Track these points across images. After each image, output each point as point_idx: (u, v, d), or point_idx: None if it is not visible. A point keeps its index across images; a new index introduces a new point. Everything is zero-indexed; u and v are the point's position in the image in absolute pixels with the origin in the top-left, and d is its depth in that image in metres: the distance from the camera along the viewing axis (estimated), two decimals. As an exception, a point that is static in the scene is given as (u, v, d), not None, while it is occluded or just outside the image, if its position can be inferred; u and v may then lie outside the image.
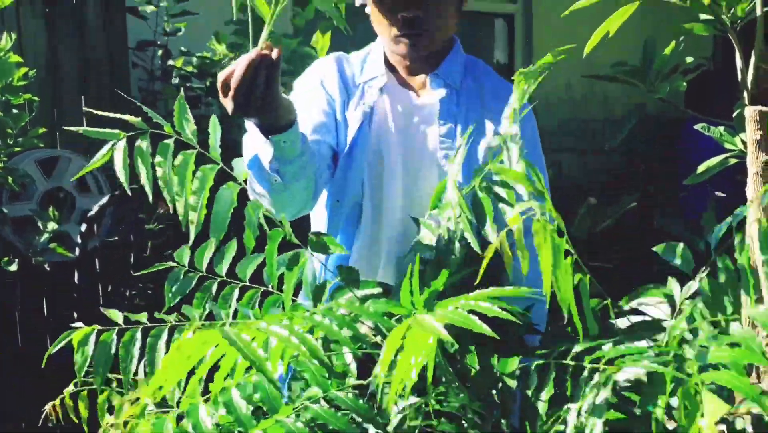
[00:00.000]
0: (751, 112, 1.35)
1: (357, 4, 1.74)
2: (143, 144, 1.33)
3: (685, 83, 1.82)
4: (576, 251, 1.15)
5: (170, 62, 4.02)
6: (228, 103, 1.35)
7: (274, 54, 1.34)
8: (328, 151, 1.78)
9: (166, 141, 1.33)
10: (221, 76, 1.35)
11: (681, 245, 1.36)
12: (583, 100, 6.11)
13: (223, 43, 4.05)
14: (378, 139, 1.80)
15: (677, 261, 1.34)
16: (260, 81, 1.33)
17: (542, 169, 1.83)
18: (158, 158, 1.32)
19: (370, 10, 1.77)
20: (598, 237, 5.01)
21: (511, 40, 6.18)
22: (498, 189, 1.29)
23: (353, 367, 1.30)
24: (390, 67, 1.85)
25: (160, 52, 4.08)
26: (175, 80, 4.03)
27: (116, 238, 3.38)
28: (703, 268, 1.29)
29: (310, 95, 1.81)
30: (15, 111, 2.98)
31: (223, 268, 1.48)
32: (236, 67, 1.33)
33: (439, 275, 1.30)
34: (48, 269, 3.23)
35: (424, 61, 1.81)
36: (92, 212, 3.41)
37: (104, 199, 3.41)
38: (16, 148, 3.03)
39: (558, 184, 5.48)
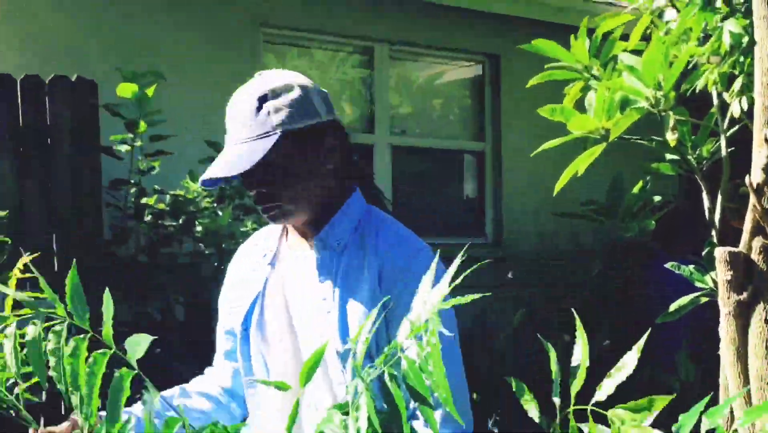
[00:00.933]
0: (720, 253, 1.36)
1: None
2: (33, 330, 1.22)
3: (653, 222, 1.85)
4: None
5: (143, 200, 4.02)
6: None
7: None
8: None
9: (57, 327, 1.19)
10: None
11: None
12: (553, 234, 6.16)
13: (197, 182, 4.07)
14: (272, 311, 1.83)
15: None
16: None
17: (455, 363, 1.71)
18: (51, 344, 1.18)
19: None
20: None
21: (481, 175, 6.26)
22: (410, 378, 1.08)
23: None
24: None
25: (133, 189, 4.08)
26: (148, 218, 4.03)
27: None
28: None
29: (222, 300, 1.98)
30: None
31: None
32: None
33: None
34: (12, 413, 3.13)
35: (311, 224, 1.79)
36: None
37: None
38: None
39: (528, 320, 5.46)
